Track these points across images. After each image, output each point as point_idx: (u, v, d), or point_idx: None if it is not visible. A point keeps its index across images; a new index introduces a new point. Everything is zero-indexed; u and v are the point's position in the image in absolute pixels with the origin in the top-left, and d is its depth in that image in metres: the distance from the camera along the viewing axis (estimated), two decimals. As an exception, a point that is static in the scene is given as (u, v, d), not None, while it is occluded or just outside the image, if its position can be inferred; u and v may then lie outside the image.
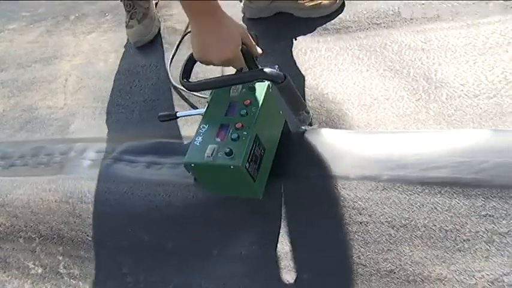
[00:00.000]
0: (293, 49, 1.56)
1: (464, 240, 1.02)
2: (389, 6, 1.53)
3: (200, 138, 1.14)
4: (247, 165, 1.09)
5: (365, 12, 1.55)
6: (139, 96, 1.71)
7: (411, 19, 1.47)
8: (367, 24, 1.53)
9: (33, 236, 1.45)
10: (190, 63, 1.18)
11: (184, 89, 1.20)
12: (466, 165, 1.09)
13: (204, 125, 1.17)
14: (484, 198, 1.04)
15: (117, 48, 1.92)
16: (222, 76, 1.17)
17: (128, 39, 1.89)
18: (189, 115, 1.33)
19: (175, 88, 1.64)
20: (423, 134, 1.20)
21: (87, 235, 1.38)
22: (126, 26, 1.84)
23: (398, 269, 1.04)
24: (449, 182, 1.08)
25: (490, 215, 1.03)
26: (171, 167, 1.40)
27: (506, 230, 1.00)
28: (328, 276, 1.09)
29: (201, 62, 1.12)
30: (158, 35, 1.85)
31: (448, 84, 1.29)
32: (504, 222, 1.01)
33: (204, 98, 1.52)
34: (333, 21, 1.58)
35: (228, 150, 1.08)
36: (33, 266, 1.42)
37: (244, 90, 1.19)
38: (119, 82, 1.80)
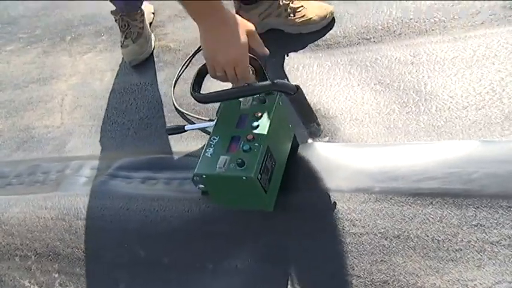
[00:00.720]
0: (285, 65, 1.58)
1: (456, 250, 1.03)
2: (379, 21, 1.56)
3: (211, 149, 1.14)
4: (259, 176, 1.08)
5: (355, 27, 1.58)
6: (134, 114, 1.72)
7: (400, 34, 1.50)
8: (357, 39, 1.55)
9: (29, 254, 1.45)
10: (200, 75, 1.18)
11: (196, 101, 1.19)
12: (456, 176, 1.10)
13: (215, 137, 1.16)
14: (474, 208, 1.06)
15: (113, 68, 1.94)
16: (233, 88, 1.16)
17: (123, 59, 1.91)
18: (197, 128, 1.32)
19: (179, 111, 1.64)
20: (414, 146, 1.21)
21: (83, 252, 1.38)
22: (121, 46, 1.86)
23: (392, 280, 1.05)
24: (440, 192, 1.09)
25: (481, 225, 1.04)
26: (166, 182, 1.41)
27: (497, 239, 1.01)
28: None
29: (210, 70, 1.13)
30: (153, 53, 1.88)
31: (438, 97, 1.31)
32: (495, 231, 1.02)
33: (199, 118, 1.54)
34: (323, 37, 1.60)
35: (240, 161, 1.07)
36: (29, 284, 1.41)
37: (254, 102, 1.18)
38: (114, 101, 1.81)
